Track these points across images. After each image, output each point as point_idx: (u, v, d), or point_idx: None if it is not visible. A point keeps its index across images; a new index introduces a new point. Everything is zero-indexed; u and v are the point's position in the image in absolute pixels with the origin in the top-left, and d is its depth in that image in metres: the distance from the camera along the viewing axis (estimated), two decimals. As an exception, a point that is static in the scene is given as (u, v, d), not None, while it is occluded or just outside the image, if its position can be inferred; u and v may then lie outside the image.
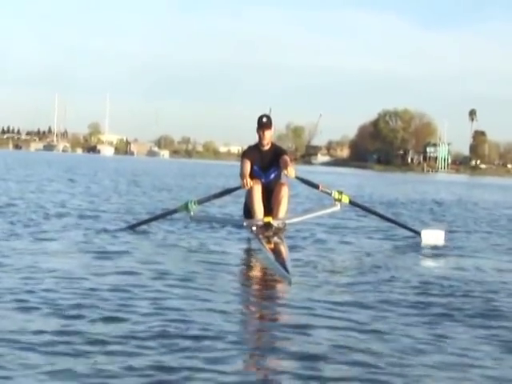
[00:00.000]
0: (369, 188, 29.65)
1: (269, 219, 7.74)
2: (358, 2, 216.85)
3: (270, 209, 8.08)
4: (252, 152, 8.43)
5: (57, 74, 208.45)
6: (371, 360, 3.90)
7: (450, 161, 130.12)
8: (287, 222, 8.18)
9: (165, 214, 9.25)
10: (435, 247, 8.80)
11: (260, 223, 7.76)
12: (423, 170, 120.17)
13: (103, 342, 4.00)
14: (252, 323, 4.81)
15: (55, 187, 18.05)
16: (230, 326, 4.51)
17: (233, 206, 12.72)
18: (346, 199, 8.55)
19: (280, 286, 5.96)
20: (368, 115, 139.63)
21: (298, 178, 8.31)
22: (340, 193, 8.51)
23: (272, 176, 8.37)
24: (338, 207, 8.48)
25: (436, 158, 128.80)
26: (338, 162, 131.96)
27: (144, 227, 9.13)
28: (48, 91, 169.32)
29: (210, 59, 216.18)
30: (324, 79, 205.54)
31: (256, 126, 8.37)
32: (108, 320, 4.48)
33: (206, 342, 4.07)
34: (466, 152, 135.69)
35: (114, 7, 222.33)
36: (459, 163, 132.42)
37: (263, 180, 8.28)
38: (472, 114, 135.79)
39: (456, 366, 3.91)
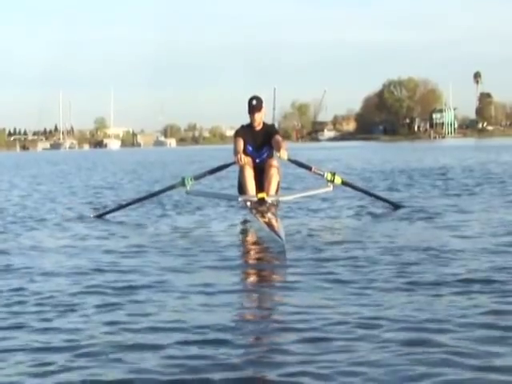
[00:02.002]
0: (375, 160, 29.54)
1: (263, 195, 7.99)
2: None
3: (262, 186, 8.29)
4: (244, 131, 8.60)
5: (59, 71, 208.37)
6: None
7: (456, 125, 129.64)
8: (280, 199, 8.55)
9: (163, 190, 9.49)
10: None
11: (254, 199, 8.01)
12: (430, 137, 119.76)
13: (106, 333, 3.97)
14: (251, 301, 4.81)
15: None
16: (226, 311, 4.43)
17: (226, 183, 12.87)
18: (338, 180, 8.73)
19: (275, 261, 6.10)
20: (372, 87, 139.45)
21: (290, 160, 8.43)
22: (333, 174, 8.67)
23: (265, 155, 8.56)
24: (330, 188, 8.68)
25: (442, 124, 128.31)
26: (344, 137, 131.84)
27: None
28: (52, 89, 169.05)
29: (211, 44, 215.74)
30: (326, 54, 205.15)
31: (247, 107, 8.50)
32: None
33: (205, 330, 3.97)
34: (472, 116, 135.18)
35: None
36: (466, 127, 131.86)
37: (257, 160, 8.51)
38: (477, 76, 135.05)
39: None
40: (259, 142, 8.50)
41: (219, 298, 4.69)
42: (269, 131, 8.56)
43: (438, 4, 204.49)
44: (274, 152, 8.47)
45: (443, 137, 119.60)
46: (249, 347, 3.70)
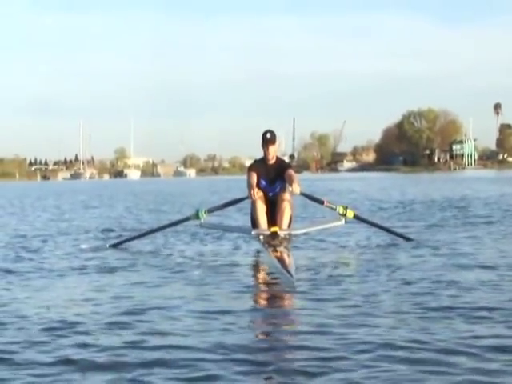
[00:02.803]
0: (393, 191, 29.46)
1: (276, 229, 8.13)
2: (369, 5, 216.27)
3: (274, 220, 8.44)
4: (258, 165, 8.78)
5: (79, 101, 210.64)
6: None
7: (476, 157, 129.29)
8: (293, 232, 8.66)
9: (177, 222, 9.59)
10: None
11: (267, 232, 8.12)
12: (450, 168, 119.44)
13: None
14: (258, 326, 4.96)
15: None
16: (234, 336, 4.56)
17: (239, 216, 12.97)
18: (350, 214, 8.78)
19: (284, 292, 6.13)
20: (392, 117, 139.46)
21: (302, 194, 8.50)
22: (345, 208, 8.76)
23: (278, 189, 8.69)
24: (342, 222, 8.75)
25: (462, 155, 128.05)
26: (364, 167, 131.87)
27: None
28: (72, 119, 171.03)
29: (231, 75, 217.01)
30: (345, 85, 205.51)
31: (261, 141, 8.67)
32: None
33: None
34: (492, 147, 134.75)
35: (127, 26, 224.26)
36: (486, 158, 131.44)
37: (270, 193, 8.69)
38: (497, 107, 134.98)
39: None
40: (272, 176, 8.63)
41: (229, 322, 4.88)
42: (282, 165, 8.71)
43: (459, 34, 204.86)
44: (287, 186, 8.54)
45: (463, 168, 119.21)
46: (258, 365, 3.89)
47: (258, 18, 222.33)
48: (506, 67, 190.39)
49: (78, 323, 4.94)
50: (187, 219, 9.14)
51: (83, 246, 9.82)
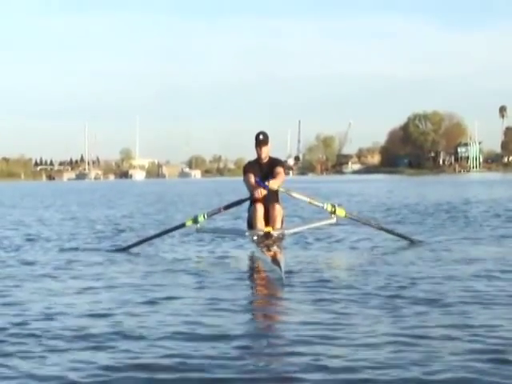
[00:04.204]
0: (396, 193, 29.50)
1: (269, 229, 8.37)
2: (375, 7, 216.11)
3: (268, 220, 8.71)
4: (252, 165, 9.11)
5: (85, 101, 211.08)
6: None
7: (481, 159, 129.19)
8: (286, 232, 8.84)
9: (175, 228, 9.66)
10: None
11: (261, 233, 8.38)
12: (455, 170, 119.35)
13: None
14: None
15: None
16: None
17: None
18: (341, 212, 8.96)
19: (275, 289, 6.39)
20: (397, 120, 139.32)
21: (283, 191, 8.77)
22: (333, 206, 8.92)
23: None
24: (334, 219, 8.95)
25: (467, 157, 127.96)
26: (369, 169, 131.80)
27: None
28: (78, 120, 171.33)
29: (237, 76, 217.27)
30: (351, 87, 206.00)
31: (254, 142, 9.00)
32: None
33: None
34: (497, 150, 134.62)
35: (136, 28, 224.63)
36: (491, 161, 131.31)
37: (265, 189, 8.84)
38: (502, 110, 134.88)
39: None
40: (265, 173, 8.89)
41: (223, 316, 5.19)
42: (274, 163, 9.02)
43: (463, 37, 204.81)
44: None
45: (468, 171, 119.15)
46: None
47: (263, 20, 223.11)
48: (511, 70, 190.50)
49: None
50: (183, 225, 9.25)
51: (87, 248, 9.88)
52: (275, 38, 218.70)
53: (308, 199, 8.98)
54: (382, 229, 9.89)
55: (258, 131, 9.04)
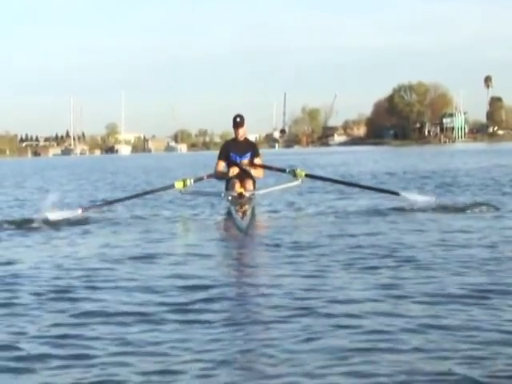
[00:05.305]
0: (381, 162, 29.67)
1: (241, 190, 9.65)
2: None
3: (243, 184, 10.13)
4: (229, 143, 10.79)
5: (70, 77, 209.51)
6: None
7: (467, 130, 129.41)
8: (256, 192, 10.26)
9: (164, 188, 10.90)
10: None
11: (234, 194, 9.66)
12: (440, 141, 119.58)
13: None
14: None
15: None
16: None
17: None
18: (301, 174, 10.31)
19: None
20: (383, 91, 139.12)
21: (255, 165, 10.24)
22: (293, 170, 10.46)
23: (246, 158, 10.43)
24: (299, 181, 10.42)
25: (453, 128, 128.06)
26: (355, 141, 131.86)
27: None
28: (63, 95, 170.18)
29: (222, 50, 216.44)
30: (336, 59, 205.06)
31: (232, 123, 10.45)
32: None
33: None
34: (483, 120, 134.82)
35: (123, 3, 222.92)
36: (476, 131, 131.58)
37: (239, 161, 10.42)
38: (487, 80, 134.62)
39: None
40: (242, 149, 10.40)
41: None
42: (249, 142, 10.77)
43: (449, 8, 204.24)
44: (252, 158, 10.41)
45: (453, 141, 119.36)
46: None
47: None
48: (497, 41, 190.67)
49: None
50: (172, 186, 10.34)
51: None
52: (260, 11, 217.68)
53: (273, 167, 10.61)
54: (341, 182, 11.96)
55: (235, 114, 10.40)
